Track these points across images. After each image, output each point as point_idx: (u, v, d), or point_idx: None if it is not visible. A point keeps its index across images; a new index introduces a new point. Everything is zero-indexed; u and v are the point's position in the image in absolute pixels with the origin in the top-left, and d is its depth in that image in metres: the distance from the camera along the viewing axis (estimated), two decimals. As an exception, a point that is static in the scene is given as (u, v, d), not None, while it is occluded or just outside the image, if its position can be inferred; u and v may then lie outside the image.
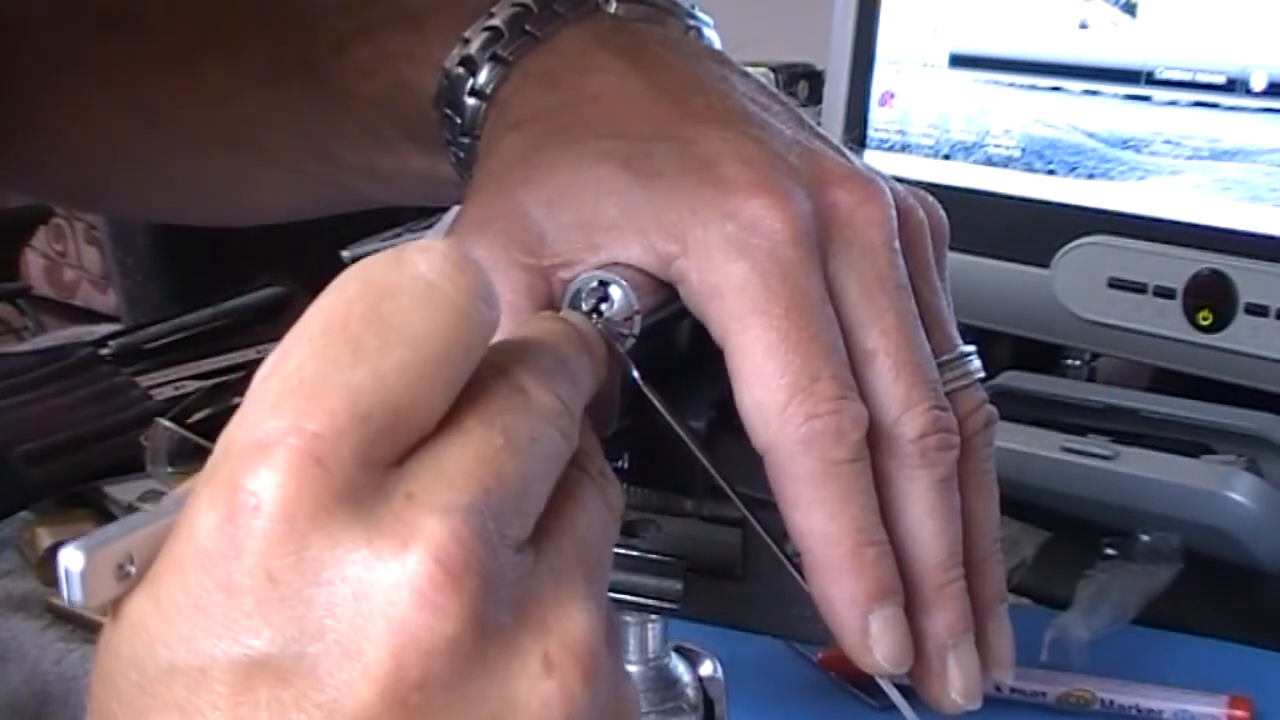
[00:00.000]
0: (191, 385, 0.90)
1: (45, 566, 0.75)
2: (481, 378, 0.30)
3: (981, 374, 0.40)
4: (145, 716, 0.27)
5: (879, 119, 0.89)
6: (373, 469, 0.27)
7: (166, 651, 0.27)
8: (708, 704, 0.46)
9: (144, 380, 0.92)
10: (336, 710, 0.26)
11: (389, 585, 0.26)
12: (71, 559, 0.27)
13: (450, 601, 0.26)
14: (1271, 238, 0.74)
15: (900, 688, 0.38)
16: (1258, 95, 0.75)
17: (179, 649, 0.27)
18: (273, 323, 1.01)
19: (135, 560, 0.28)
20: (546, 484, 0.30)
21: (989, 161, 0.85)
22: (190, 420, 0.82)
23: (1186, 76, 0.77)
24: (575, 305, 0.38)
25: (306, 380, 0.27)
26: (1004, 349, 0.88)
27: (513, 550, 0.28)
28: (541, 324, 0.34)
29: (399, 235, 1.04)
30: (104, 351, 0.96)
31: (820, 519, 0.36)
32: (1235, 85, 0.76)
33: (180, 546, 0.27)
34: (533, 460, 0.29)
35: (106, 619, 0.28)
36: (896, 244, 0.39)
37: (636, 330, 0.37)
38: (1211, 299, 0.76)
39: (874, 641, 0.36)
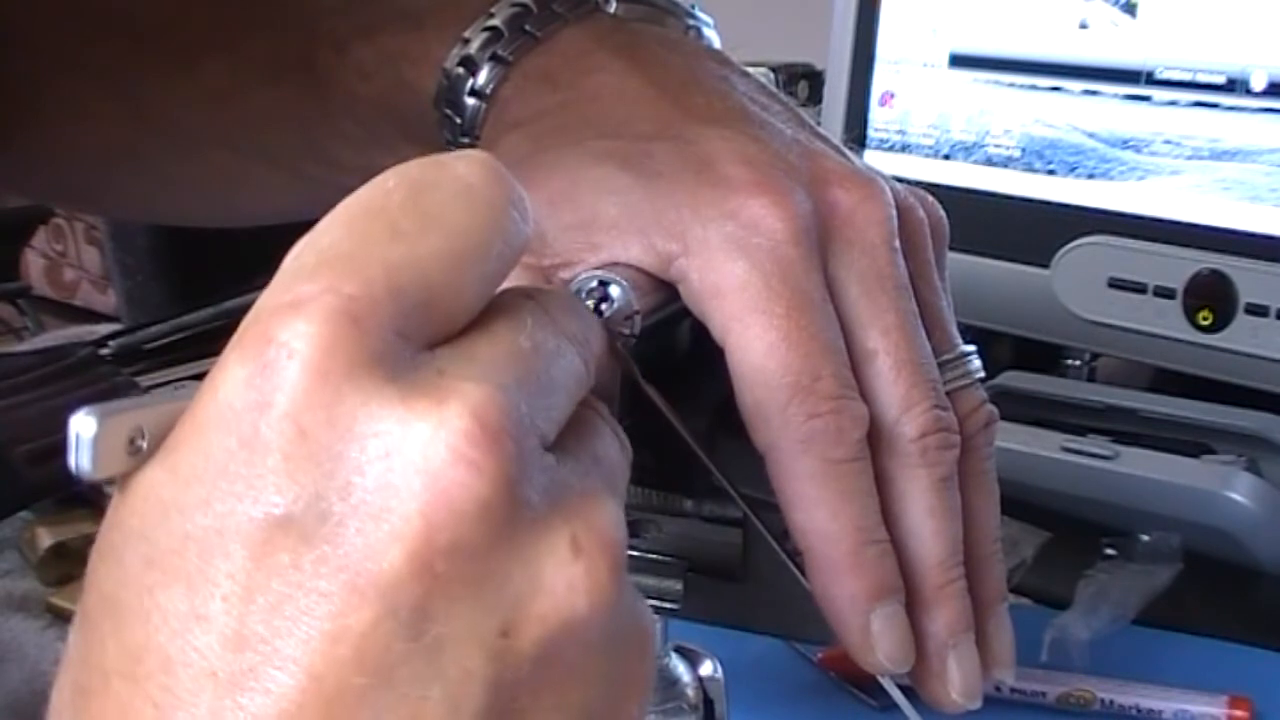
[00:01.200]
0: (191, 385, 0.90)
1: (45, 566, 0.75)
2: (509, 296, 0.29)
3: (982, 374, 0.41)
4: (151, 593, 0.25)
5: (879, 119, 0.89)
6: (405, 341, 0.26)
7: (180, 518, 0.25)
8: (708, 704, 0.46)
9: (144, 380, 0.92)
10: (361, 573, 0.25)
11: (424, 440, 0.25)
12: (83, 425, 0.25)
13: (487, 459, 0.25)
14: (1271, 238, 0.74)
15: (901, 687, 0.38)
16: (1258, 95, 0.75)
17: (194, 514, 0.25)
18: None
19: (148, 435, 0.26)
20: (568, 398, 0.29)
21: (989, 161, 0.85)
22: (190, 420, 0.82)
23: (1186, 76, 0.77)
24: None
25: (342, 254, 0.26)
26: (1004, 349, 0.88)
27: (538, 437, 0.27)
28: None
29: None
30: (104, 351, 0.96)
31: (821, 518, 0.36)
32: (1235, 85, 0.76)
33: (202, 409, 0.26)
34: (558, 369, 0.29)
35: (115, 494, 0.27)
36: (897, 243, 0.39)
37: (637, 330, 0.37)
38: (1211, 299, 0.76)
39: (875, 640, 0.36)
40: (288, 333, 0.25)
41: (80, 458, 0.25)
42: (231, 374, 0.26)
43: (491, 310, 0.29)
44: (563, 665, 0.27)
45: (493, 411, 0.26)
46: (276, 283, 0.27)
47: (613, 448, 0.30)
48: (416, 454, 0.25)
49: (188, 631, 0.25)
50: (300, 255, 0.27)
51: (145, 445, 0.26)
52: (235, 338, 0.26)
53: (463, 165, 0.29)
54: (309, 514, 0.25)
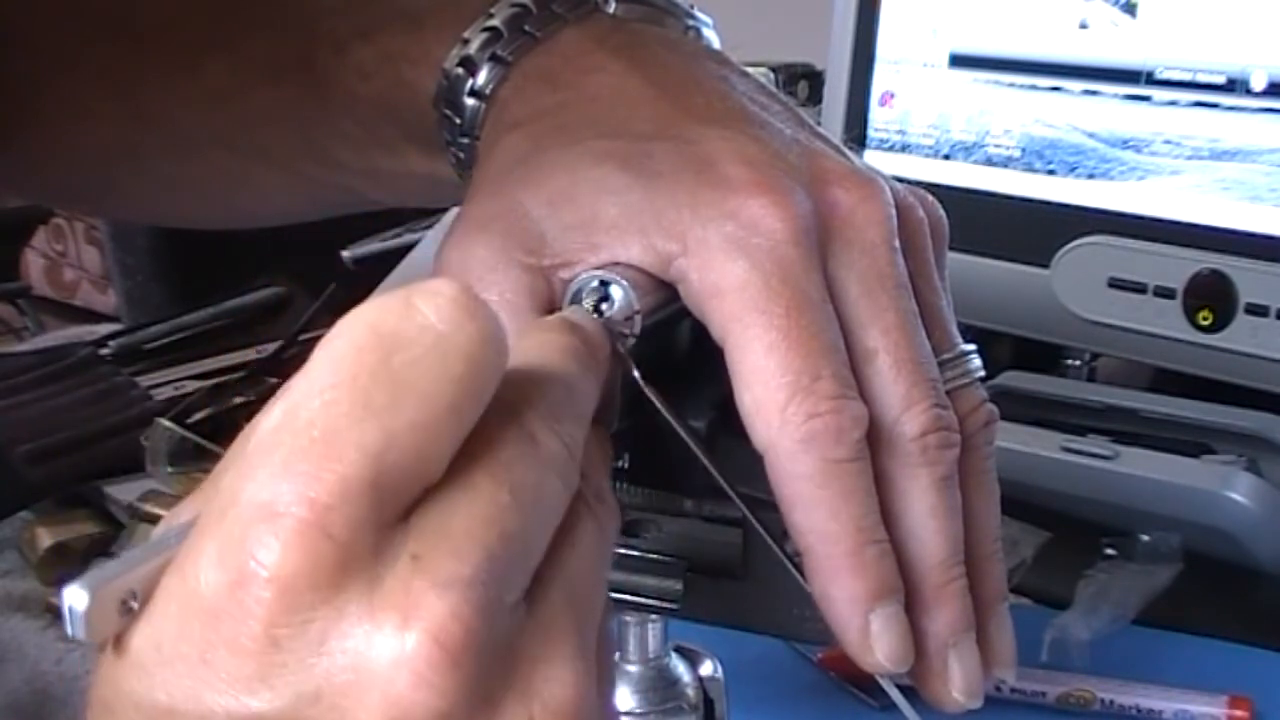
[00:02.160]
0: (191, 385, 0.90)
1: (45, 566, 0.75)
2: (490, 421, 0.30)
3: (982, 373, 0.40)
4: None
5: (879, 119, 0.89)
6: (379, 531, 0.28)
7: (167, 698, 0.27)
8: (708, 704, 0.46)
9: (144, 380, 0.92)
10: None
11: (388, 661, 0.27)
12: (76, 597, 0.27)
13: (446, 680, 0.27)
14: (1271, 238, 0.74)
15: (901, 687, 0.38)
16: (1258, 95, 0.75)
17: (180, 697, 0.27)
18: (273, 323, 1.01)
19: (138, 596, 0.28)
20: (547, 535, 0.30)
21: (989, 161, 0.85)
22: (190, 420, 0.82)
23: (1186, 76, 0.77)
24: (576, 305, 0.38)
25: (317, 439, 0.27)
26: (1004, 349, 0.88)
27: (509, 611, 0.29)
28: (548, 339, 0.34)
29: (399, 235, 1.04)
30: (104, 351, 0.96)
31: (821, 518, 0.36)
32: (1235, 85, 0.76)
33: (184, 595, 0.28)
34: (536, 514, 0.30)
35: (107, 651, 0.28)
36: (896, 243, 0.39)
37: (637, 330, 0.37)
38: (1211, 299, 0.76)
39: (875, 641, 0.36)
40: (264, 552, 0.27)
41: (75, 628, 0.27)
42: (211, 576, 0.27)
43: (472, 450, 0.29)
44: None
45: (455, 631, 0.27)
46: (254, 464, 0.28)
47: (590, 553, 0.31)
48: (380, 674, 0.27)
49: None
50: (278, 431, 0.28)
51: (136, 605, 0.28)
52: (216, 516, 0.28)
53: (433, 311, 0.29)
54: (283, 717, 0.27)
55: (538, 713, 0.29)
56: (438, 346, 0.28)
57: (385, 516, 0.28)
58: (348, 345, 0.28)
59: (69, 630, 0.27)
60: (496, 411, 0.30)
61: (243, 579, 0.27)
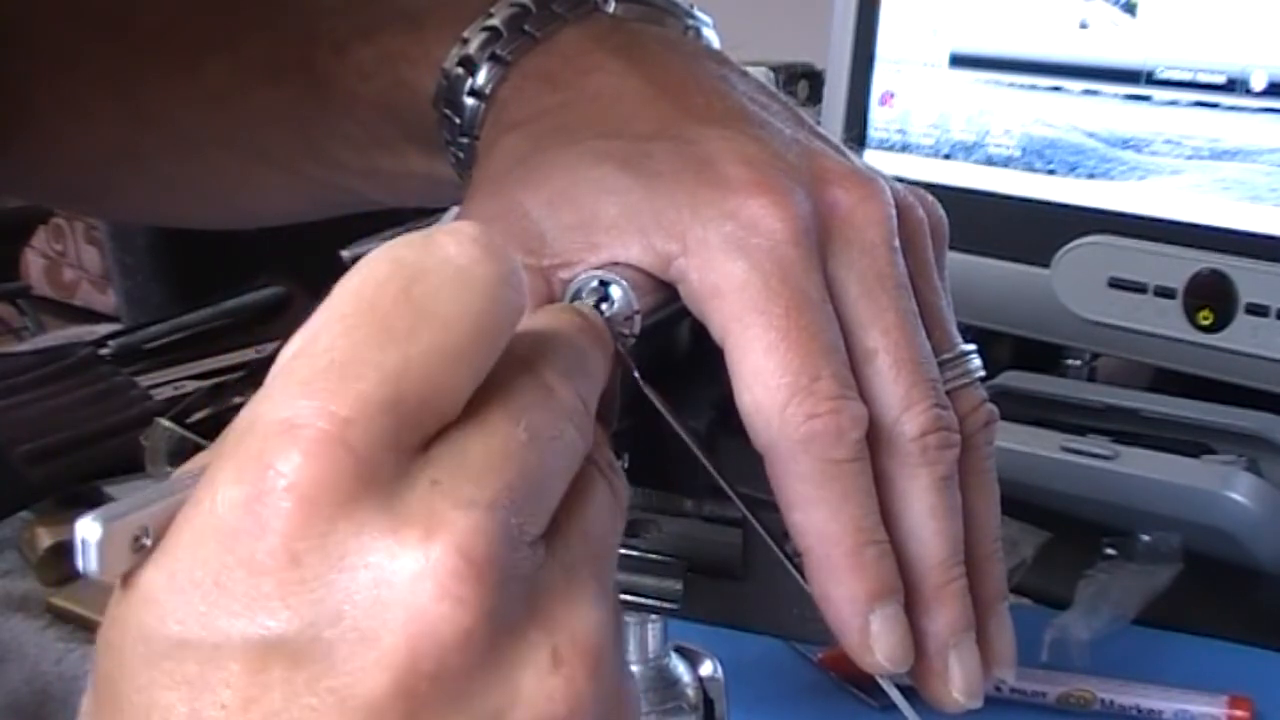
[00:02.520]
0: (191, 385, 0.90)
1: (45, 566, 0.75)
2: (506, 369, 0.30)
3: (982, 373, 0.40)
4: (150, 691, 0.26)
5: (879, 119, 0.89)
6: (399, 454, 0.27)
7: (179, 627, 0.26)
8: (708, 704, 0.46)
9: (144, 380, 0.92)
10: (348, 695, 0.26)
11: (411, 574, 0.26)
12: (89, 530, 0.26)
13: (470, 593, 0.26)
14: (1271, 238, 0.74)
15: (900, 687, 0.38)
16: (1258, 95, 0.75)
17: (192, 624, 0.26)
18: (273, 323, 1.01)
19: (151, 533, 0.27)
20: (564, 480, 0.30)
21: (989, 161, 0.85)
22: (190, 420, 0.82)
23: (1186, 76, 0.77)
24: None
25: (336, 361, 0.27)
26: (1004, 349, 0.88)
27: (529, 546, 0.28)
28: (559, 315, 0.34)
29: (399, 235, 1.04)
30: (104, 351, 0.96)
31: (821, 518, 0.36)
32: (1235, 85, 0.76)
33: (199, 519, 0.27)
34: (553, 457, 0.29)
35: (115, 590, 0.28)
36: (896, 242, 0.39)
37: (636, 330, 0.37)
38: (1211, 299, 0.76)
39: (875, 641, 0.36)
40: (283, 462, 0.26)
41: (88, 561, 0.27)
42: (229, 492, 0.27)
43: (488, 393, 0.29)
44: None
45: (480, 544, 0.27)
46: (272, 389, 0.27)
47: (605, 510, 0.31)
48: (404, 588, 0.26)
49: None
50: (296, 358, 0.28)
51: (149, 542, 0.27)
52: (229, 444, 0.27)
53: (453, 245, 0.29)
54: (301, 637, 0.26)
55: (563, 645, 0.28)
56: (458, 278, 0.28)
57: (404, 440, 0.27)
58: (368, 277, 0.28)
59: (80, 565, 0.27)
60: (511, 363, 0.30)
61: (261, 491, 0.26)
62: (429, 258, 0.29)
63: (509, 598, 0.27)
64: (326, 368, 0.27)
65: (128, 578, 0.27)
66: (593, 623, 0.29)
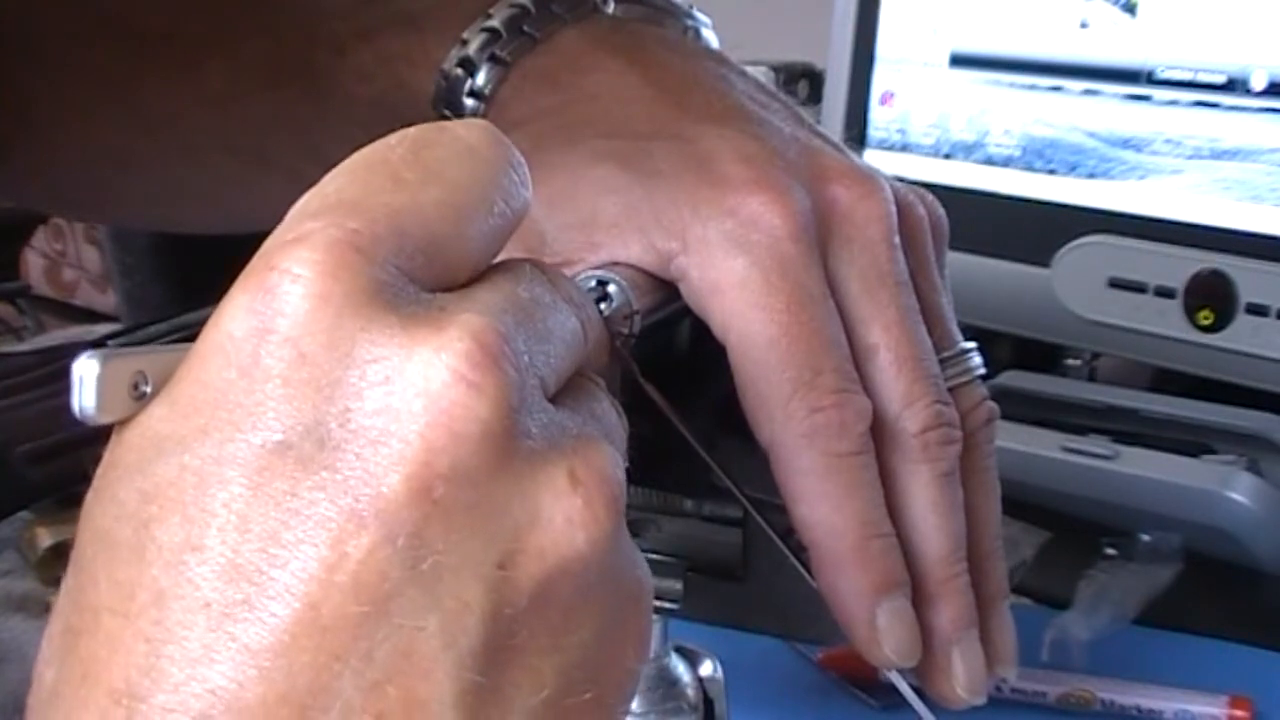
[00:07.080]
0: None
1: (45, 566, 0.75)
2: (509, 259, 0.29)
3: (982, 371, 0.41)
4: (147, 527, 0.25)
5: (879, 118, 0.89)
6: (407, 278, 0.26)
7: (179, 449, 0.25)
8: (708, 704, 0.46)
9: (144, 381, 0.92)
10: (359, 499, 0.24)
11: (424, 363, 0.25)
12: (86, 367, 0.25)
13: (487, 380, 0.25)
14: (1272, 238, 0.74)
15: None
16: (1258, 95, 0.75)
17: (192, 444, 0.25)
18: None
19: (151, 380, 0.26)
20: (566, 351, 0.29)
21: (989, 161, 0.85)
22: (190, 421, 0.82)
23: (1187, 76, 0.77)
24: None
25: (346, 199, 0.27)
26: (1004, 349, 0.88)
27: (538, 379, 0.27)
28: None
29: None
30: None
31: (826, 512, 0.36)
32: (1235, 85, 0.76)
33: (204, 342, 0.26)
34: (555, 323, 0.29)
35: (111, 438, 0.26)
36: (897, 239, 0.39)
37: (636, 329, 0.37)
38: (1212, 299, 0.75)
39: (882, 634, 0.36)
40: (290, 260, 0.25)
41: (84, 398, 0.25)
42: (234, 303, 0.26)
43: (491, 268, 0.29)
44: (560, 604, 0.26)
45: (493, 336, 0.26)
46: (283, 226, 0.27)
47: (611, 411, 0.30)
48: (417, 377, 0.25)
49: (182, 563, 0.24)
50: (306, 202, 0.27)
51: (149, 390, 0.26)
52: (241, 275, 0.26)
53: (463, 128, 0.29)
54: (307, 440, 0.25)
55: (579, 468, 0.27)
56: (467, 152, 0.28)
57: (412, 268, 0.26)
58: (380, 143, 0.28)
59: (75, 405, 0.25)
60: (515, 258, 0.29)
61: (266, 291, 0.25)
62: (440, 134, 0.28)
63: (525, 405, 0.26)
64: (335, 203, 0.27)
65: (124, 426, 0.26)
66: (609, 459, 0.27)
